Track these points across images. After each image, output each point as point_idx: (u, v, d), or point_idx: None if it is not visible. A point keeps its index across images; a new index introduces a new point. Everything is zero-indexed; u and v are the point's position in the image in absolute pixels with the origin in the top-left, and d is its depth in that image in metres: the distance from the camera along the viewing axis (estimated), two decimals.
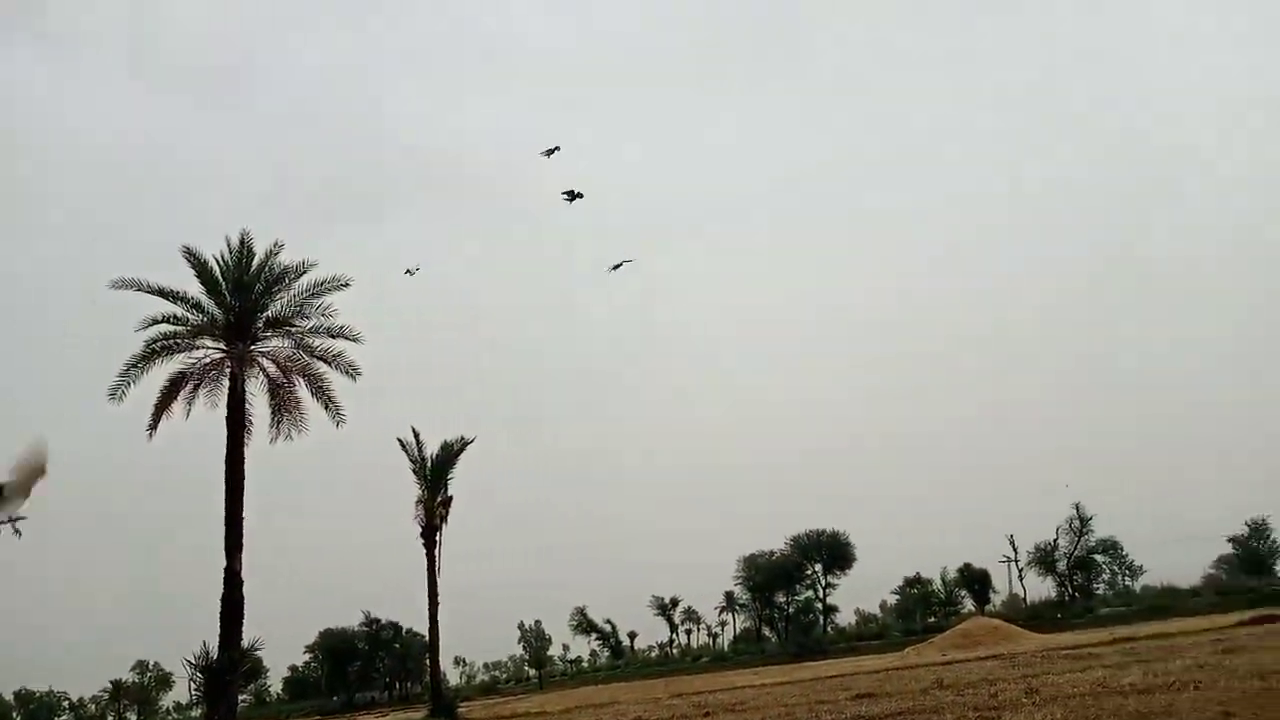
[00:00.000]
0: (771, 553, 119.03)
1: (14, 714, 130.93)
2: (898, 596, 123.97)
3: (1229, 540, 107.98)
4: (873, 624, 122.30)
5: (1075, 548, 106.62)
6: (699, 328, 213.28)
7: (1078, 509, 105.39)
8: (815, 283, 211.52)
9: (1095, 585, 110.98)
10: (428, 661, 53.95)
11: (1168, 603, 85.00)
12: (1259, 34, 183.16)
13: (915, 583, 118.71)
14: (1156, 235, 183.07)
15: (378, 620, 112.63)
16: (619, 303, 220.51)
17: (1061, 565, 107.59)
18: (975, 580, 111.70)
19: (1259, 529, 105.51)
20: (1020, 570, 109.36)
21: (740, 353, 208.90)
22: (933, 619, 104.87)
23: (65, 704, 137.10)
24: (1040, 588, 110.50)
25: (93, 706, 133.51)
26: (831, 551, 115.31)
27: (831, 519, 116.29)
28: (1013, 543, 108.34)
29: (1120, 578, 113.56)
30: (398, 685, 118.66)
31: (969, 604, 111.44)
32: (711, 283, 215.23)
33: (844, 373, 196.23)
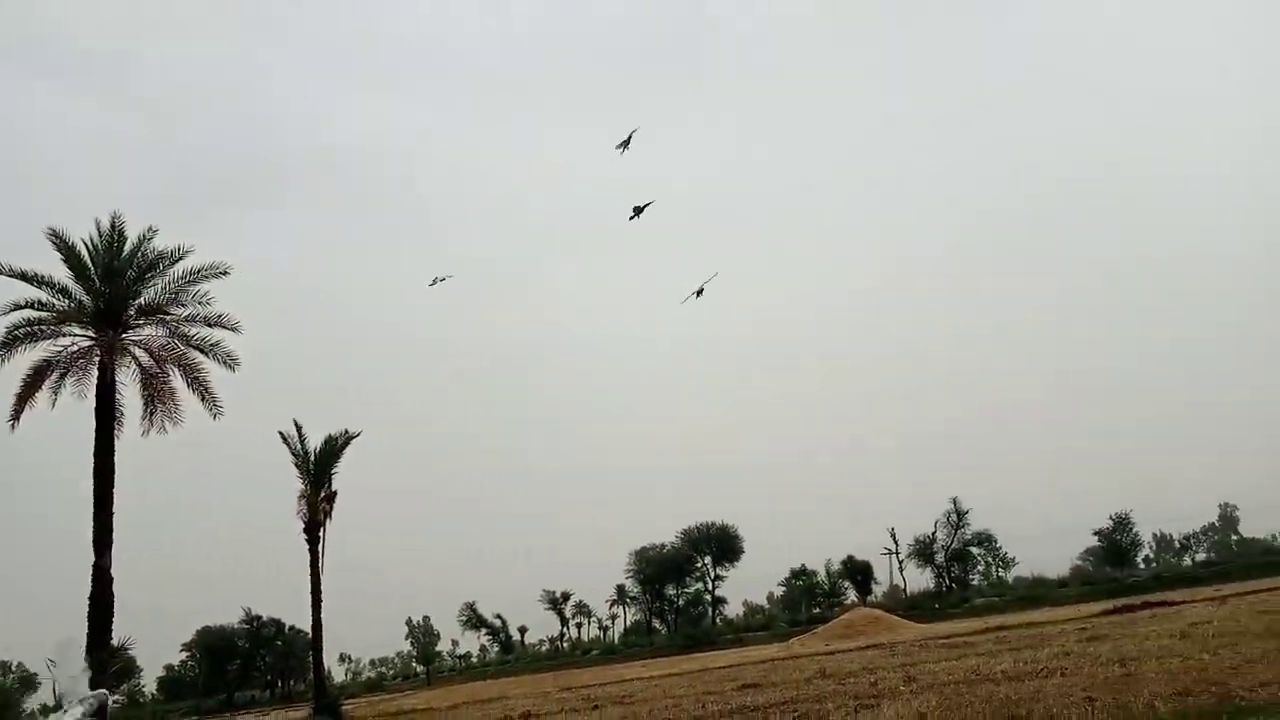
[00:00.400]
0: (662, 546, 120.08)
1: None
2: (784, 588, 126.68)
3: (1094, 534, 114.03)
4: (760, 615, 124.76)
5: (952, 540, 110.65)
6: (595, 329, 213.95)
7: (955, 503, 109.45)
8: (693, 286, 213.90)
9: (971, 576, 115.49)
10: (311, 659, 52.45)
11: (1038, 593, 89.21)
12: None
13: (801, 574, 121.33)
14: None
15: (259, 617, 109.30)
16: (510, 301, 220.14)
17: (939, 557, 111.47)
18: (858, 572, 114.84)
19: (1122, 523, 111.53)
20: (900, 562, 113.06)
21: (636, 354, 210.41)
22: (817, 610, 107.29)
23: None
24: (919, 579, 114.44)
25: None
26: (721, 544, 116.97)
27: (721, 513, 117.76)
28: (894, 535, 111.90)
29: (994, 569, 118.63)
30: (280, 684, 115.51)
31: (852, 595, 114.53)
32: (611, 284, 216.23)
33: (731, 375, 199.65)
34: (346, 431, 48.68)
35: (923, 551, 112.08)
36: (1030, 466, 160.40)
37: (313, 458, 47.48)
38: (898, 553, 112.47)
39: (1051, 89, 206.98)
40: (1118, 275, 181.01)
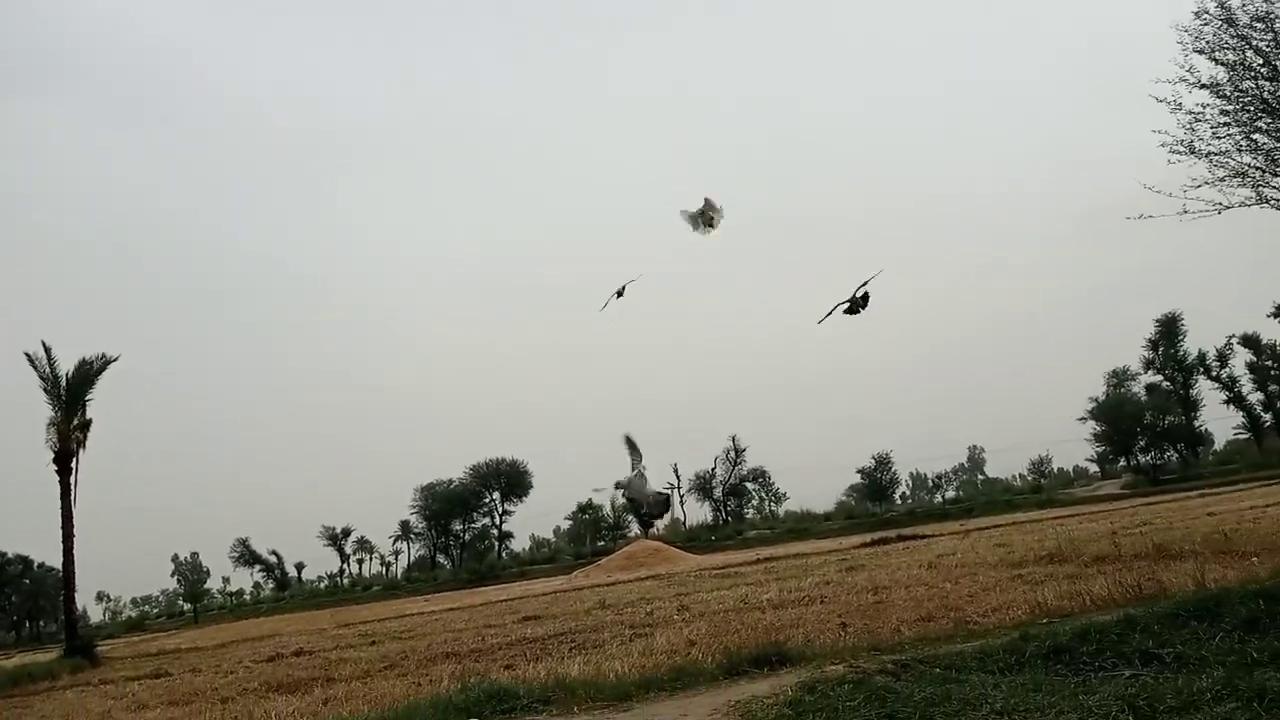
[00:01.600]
0: (450, 481, 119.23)
1: None
2: (570, 522, 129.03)
3: (858, 471, 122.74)
4: (546, 549, 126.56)
5: (730, 476, 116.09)
6: (403, 249, 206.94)
7: (734, 441, 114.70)
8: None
9: (745, 510, 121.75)
10: (62, 598, 48.66)
11: (805, 526, 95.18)
12: None
13: (586, 508, 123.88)
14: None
15: (3, 554, 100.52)
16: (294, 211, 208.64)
17: (718, 492, 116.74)
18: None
19: (883, 462, 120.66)
20: (681, 497, 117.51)
21: (431, 278, 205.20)
22: (602, 543, 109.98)
23: None
24: (699, 513, 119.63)
25: None
26: (510, 480, 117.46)
27: (511, 449, 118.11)
28: (676, 471, 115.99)
29: (767, 503, 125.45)
30: (28, 624, 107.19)
31: (635, 528, 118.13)
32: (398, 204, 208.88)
33: (515, 307, 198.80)
34: (104, 355, 44.81)
35: (702, 486, 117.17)
36: (804, 406, 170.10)
37: (64, 382, 43.51)
38: (679, 488, 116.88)
39: None
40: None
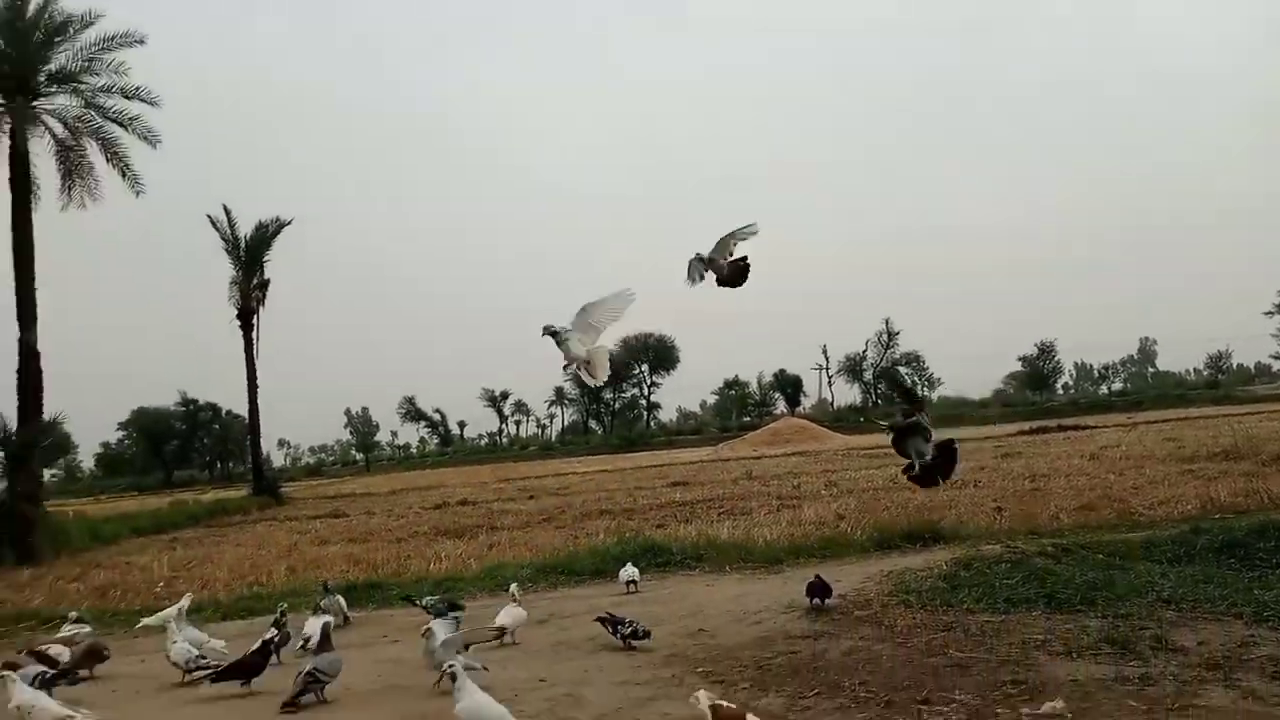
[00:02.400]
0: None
1: None
2: (716, 397, 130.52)
3: (1019, 359, 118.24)
4: (692, 421, 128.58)
5: (882, 359, 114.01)
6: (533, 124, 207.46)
7: (887, 324, 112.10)
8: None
9: (896, 394, 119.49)
10: (249, 443, 52.96)
11: (960, 412, 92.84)
12: None
13: (733, 385, 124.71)
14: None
15: (195, 401, 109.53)
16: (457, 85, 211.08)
17: (868, 375, 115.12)
18: (788, 385, 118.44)
19: (1046, 350, 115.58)
20: (830, 378, 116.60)
21: (580, 147, 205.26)
22: (747, 418, 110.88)
23: None
24: (847, 394, 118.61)
25: None
26: (658, 354, 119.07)
27: (661, 324, 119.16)
28: (825, 352, 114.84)
29: (920, 388, 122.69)
30: (219, 465, 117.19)
31: (781, 406, 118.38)
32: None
33: (666, 181, 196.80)
34: (278, 219, 47.22)
35: (852, 369, 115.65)
36: (964, 291, 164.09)
37: (244, 244, 46.27)
38: (828, 369, 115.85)
39: None
40: (1066, 102, 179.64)
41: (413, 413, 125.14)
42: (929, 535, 13.03)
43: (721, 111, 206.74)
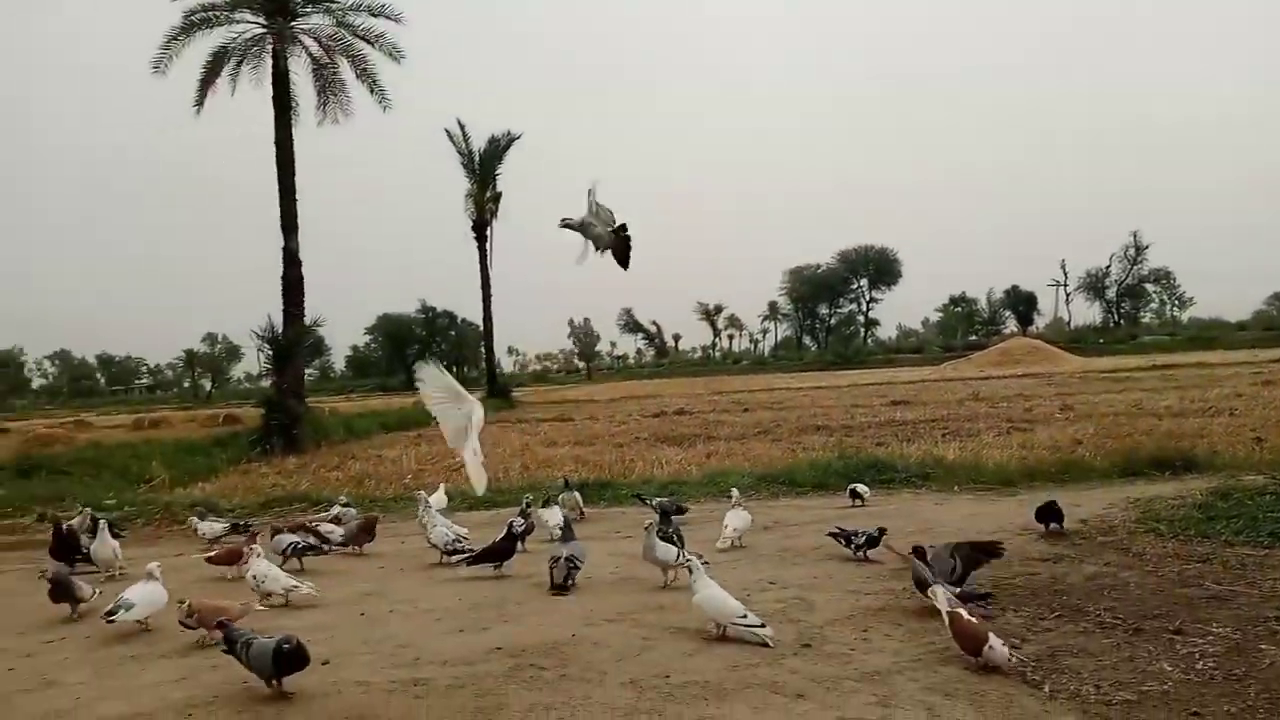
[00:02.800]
0: (818, 266, 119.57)
1: (96, 375, 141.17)
2: (940, 314, 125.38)
3: None
4: (913, 339, 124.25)
5: (1127, 275, 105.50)
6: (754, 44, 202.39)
7: (1134, 237, 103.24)
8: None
9: (1142, 314, 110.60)
10: (483, 349, 55.95)
11: (1213, 335, 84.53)
12: None
13: (960, 301, 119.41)
14: None
15: (434, 309, 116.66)
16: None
17: (1110, 292, 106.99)
18: (1021, 302, 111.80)
19: None
20: (1068, 295, 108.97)
21: (800, 69, 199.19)
22: (974, 337, 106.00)
23: (144, 369, 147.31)
24: (1086, 313, 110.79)
25: (169, 373, 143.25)
26: (879, 267, 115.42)
27: (882, 236, 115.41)
28: (1064, 267, 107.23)
29: (1169, 308, 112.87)
30: (454, 369, 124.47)
31: (1012, 325, 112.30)
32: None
33: (898, 98, 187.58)
34: (509, 132, 48.84)
35: (1093, 285, 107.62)
36: (1223, 199, 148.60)
37: (477, 157, 48.22)
38: (1066, 285, 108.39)
39: None
40: None
41: (631, 324, 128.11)
42: (1179, 463, 12.16)
43: None
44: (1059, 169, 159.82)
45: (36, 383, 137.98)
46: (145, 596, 6.62)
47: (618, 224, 6.44)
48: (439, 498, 10.89)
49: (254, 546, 7.65)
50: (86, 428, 38.76)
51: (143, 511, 13.52)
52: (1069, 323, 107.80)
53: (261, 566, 7.32)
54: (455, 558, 8.32)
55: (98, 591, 7.23)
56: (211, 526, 10.37)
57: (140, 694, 5.27)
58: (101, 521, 9.24)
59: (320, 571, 8.25)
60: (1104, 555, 7.68)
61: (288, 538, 8.46)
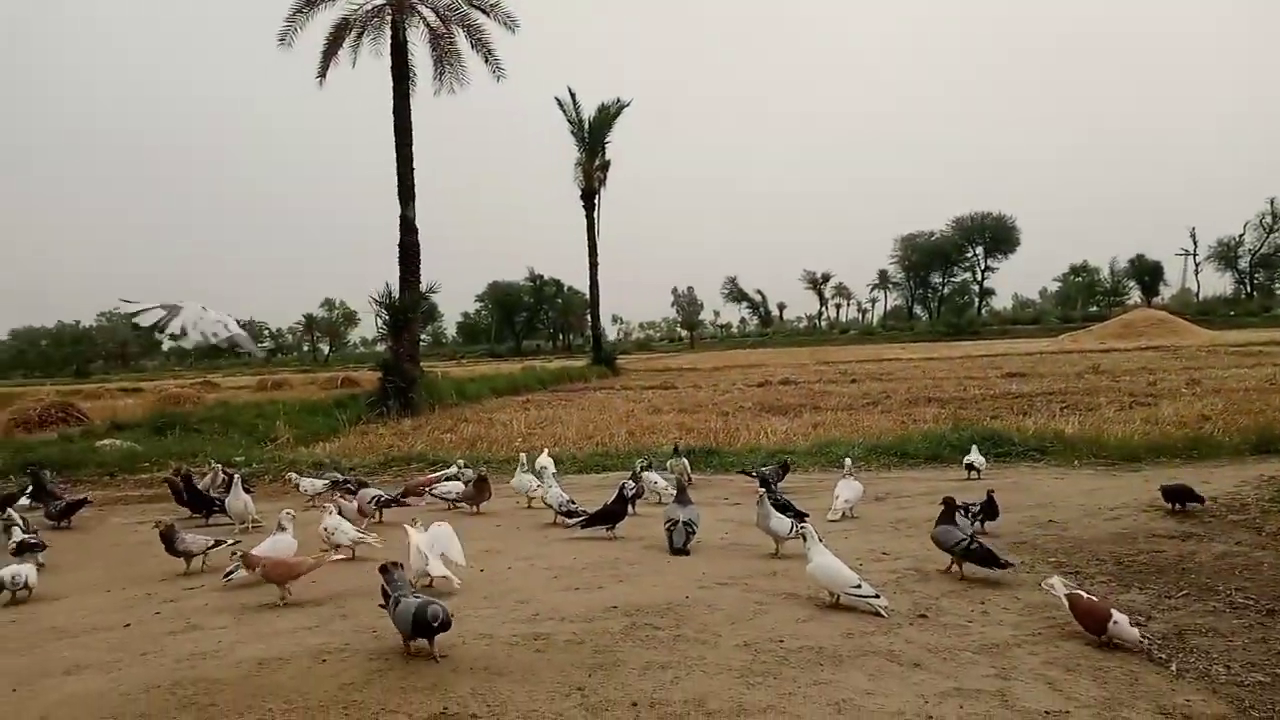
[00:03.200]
0: (931, 233, 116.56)
1: None
2: (1059, 284, 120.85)
3: None
4: (1030, 309, 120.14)
5: (1262, 244, 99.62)
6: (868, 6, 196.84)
7: (1271, 204, 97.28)
8: None
9: (1277, 285, 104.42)
10: (589, 316, 56.49)
11: None
12: None
13: (1081, 271, 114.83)
14: None
15: (541, 276, 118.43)
16: None
17: (1243, 262, 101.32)
18: (1146, 272, 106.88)
19: None
20: (1197, 265, 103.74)
21: (919, 35, 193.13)
22: (1094, 308, 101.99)
23: (265, 332, 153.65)
24: (1216, 284, 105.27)
25: (289, 336, 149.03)
26: (996, 235, 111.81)
27: (1000, 203, 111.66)
28: (1193, 236, 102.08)
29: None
30: (560, 337, 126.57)
31: (1135, 295, 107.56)
32: None
33: (1021, 63, 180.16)
34: (618, 100, 49.02)
35: (1224, 254, 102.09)
36: None
37: (586, 125, 48.48)
38: (1195, 254, 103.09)
39: None
40: None
41: (735, 293, 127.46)
42: None
43: None
44: (1192, 134, 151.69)
45: (166, 345, 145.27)
46: (269, 550, 6.98)
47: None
48: (544, 460, 11.13)
49: (331, 504, 8.07)
50: (213, 388, 40.80)
51: (270, 468, 14.19)
52: (1197, 294, 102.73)
53: (333, 520, 7.72)
54: (570, 520, 8.51)
55: (210, 543, 7.61)
56: (313, 483, 10.86)
57: (276, 639, 5.58)
58: (235, 476, 9.75)
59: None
60: (1235, 534, 7.38)
61: (371, 491, 8.90)
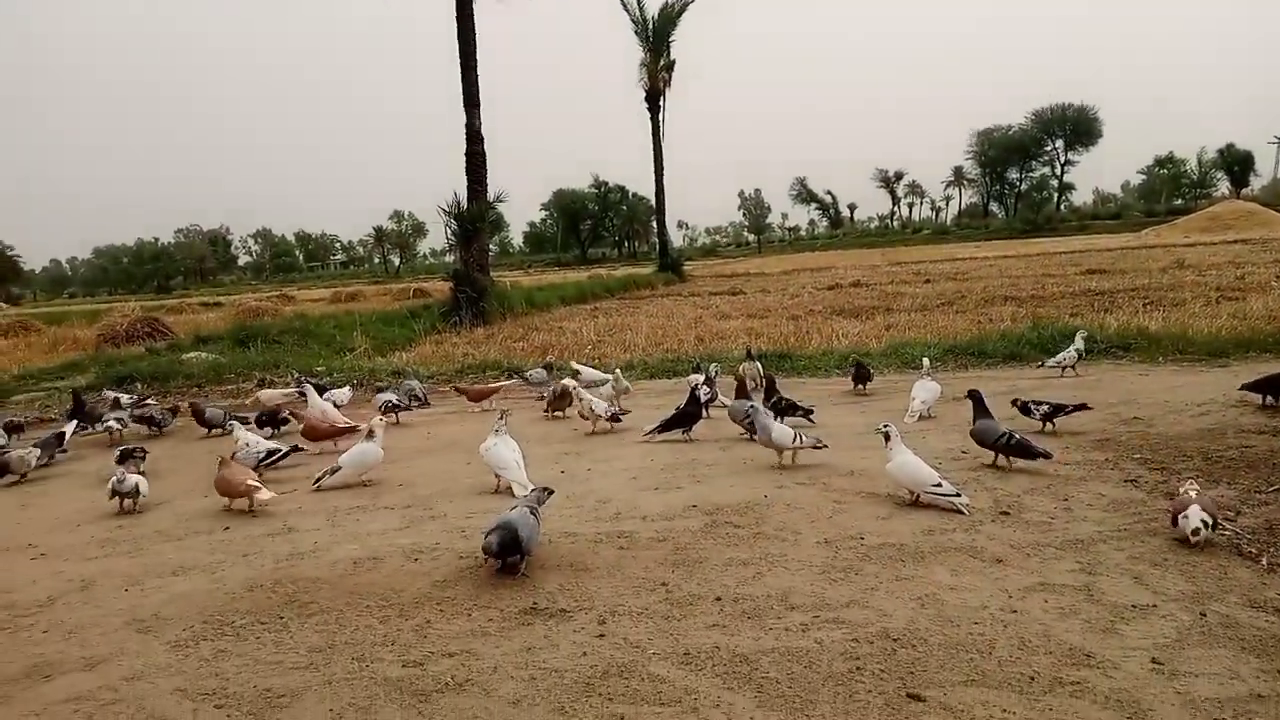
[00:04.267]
0: (1009, 127, 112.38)
1: (295, 251, 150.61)
2: (1143, 177, 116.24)
3: None
4: (1111, 204, 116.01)
5: None
6: None
7: None
8: None
9: None
10: (654, 223, 56.13)
11: None
12: None
13: (1166, 163, 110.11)
14: None
15: (606, 183, 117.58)
16: None
17: None
18: (1235, 162, 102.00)
19: None
20: None
21: None
22: (1179, 201, 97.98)
23: (337, 245, 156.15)
24: None
25: (360, 249, 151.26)
26: (1076, 127, 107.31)
27: (1082, 93, 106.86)
28: None
29: None
30: (625, 244, 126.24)
31: (1224, 188, 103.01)
32: None
33: None
34: None
35: None
36: None
37: (650, 25, 47.41)
38: None
39: None
40: None
41: (804, 194, 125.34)
42: None
43: None
44: None
45: (242, 260, 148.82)
46: (353, 458, 7.20)
47: None
48: (588, 372, 11.30)
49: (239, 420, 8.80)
50: (290, 301, 41.73)
51: (350, 377, 14.54)
52: None
53: (243, 434, 8.05)
54: (647, 429, 8.45)
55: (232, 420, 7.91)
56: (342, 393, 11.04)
57: (369, 539, 5.80)
58: (308, 385, 9.96)
59: (522, 436, 8.65)
60: None
61: (384, 395, 9.02)
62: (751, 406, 7.42)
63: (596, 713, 3.46)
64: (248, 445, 7.79)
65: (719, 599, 4.45)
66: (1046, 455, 6.44)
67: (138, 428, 10.47)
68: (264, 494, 6.68)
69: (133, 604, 4.90)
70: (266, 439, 8.23)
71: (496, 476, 6.76)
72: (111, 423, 9.85)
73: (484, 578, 4.86)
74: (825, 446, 7.02)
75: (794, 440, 6.90)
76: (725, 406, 8.49)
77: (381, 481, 7.36)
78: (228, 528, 6.36)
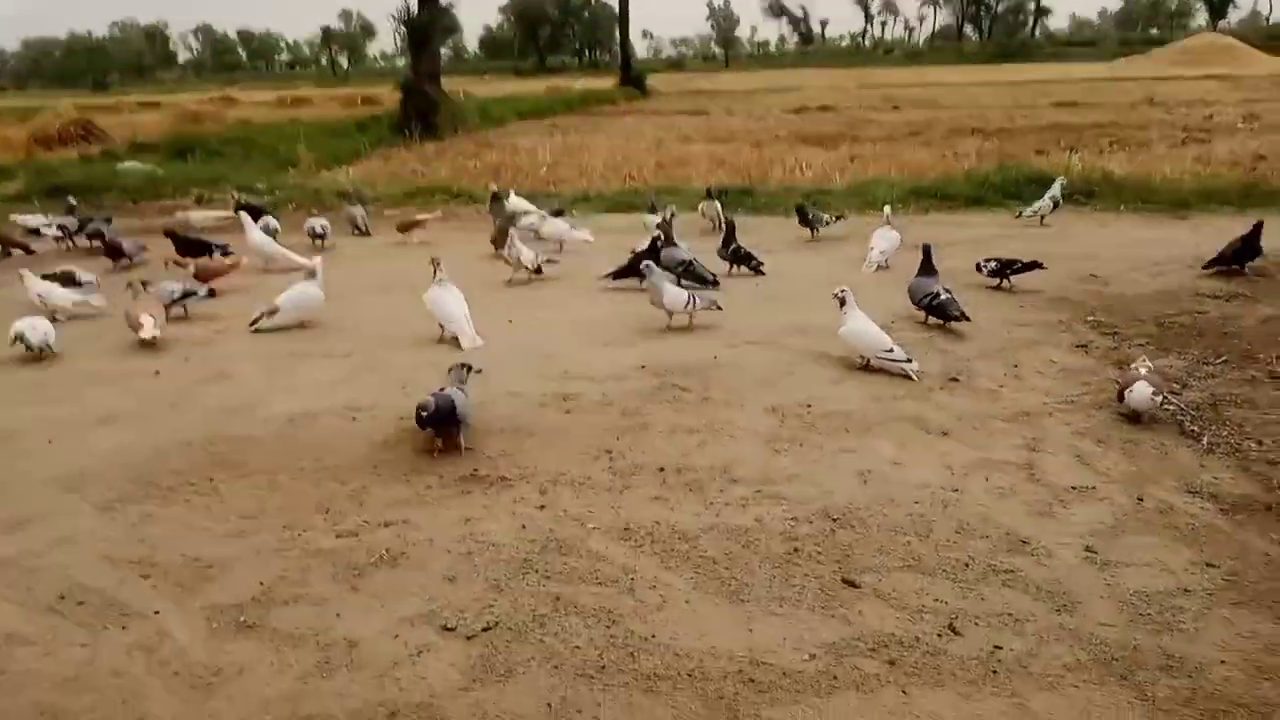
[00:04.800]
0: None
1: (238, 50, 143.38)
2: (1121, 3, 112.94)
3: None
4: (1087, 30, 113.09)
5: None
6: None
7: None
8: None
9: None
10: (617, 32, 53.64)
11: None
12: None
13: None
14: None
15: None
16: None
17: None
18: None
19: None
20: None
21: None
22: (1155, 30, 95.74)
23: (282, 45, 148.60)
24: None
25: (306, 49, 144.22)
26: None
27: None
28: None
29: None
30: (587, 53, 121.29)
31: (1201, 18, 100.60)
32: None
33: None
34: None
35: None
36: None
37: None
38: None
39: None
40: None
41: (775, 7, 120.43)
42: None
43: None
44: None
45: (182, 57, 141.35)
46: (292, 300, 6.94)
47: None
48: (517, 202, 10.69)
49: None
50: (233, 104, 39.65)
51: (292, 196, 13.99)
52: (1268, 18, 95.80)
53: (39, 286, 7.33)
54: (600, 277, 8.13)
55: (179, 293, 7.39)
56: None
57: (306, 392, 5.64)
58: (244, 215, 9.35)
59: (469, 277, 8.33)
60: None
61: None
62: (647, 265, 6.83)
63: (533, 592, 3.43)
64: (39, 295, 7.22)
65: (662, 469, 4.40)
66: (964, 318, 6.42)
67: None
68: (145, 331, 6.42)
69: (56, 461, 4.73)
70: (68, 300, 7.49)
71: (441, 326, 6.57)
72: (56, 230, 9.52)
73: (423, 444, 4.74)
74: (721, 309, 6.77)
75: (686, 305, 6.58)
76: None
77: (321, 325, 7.12)
78: (158, 372, 6.15)
